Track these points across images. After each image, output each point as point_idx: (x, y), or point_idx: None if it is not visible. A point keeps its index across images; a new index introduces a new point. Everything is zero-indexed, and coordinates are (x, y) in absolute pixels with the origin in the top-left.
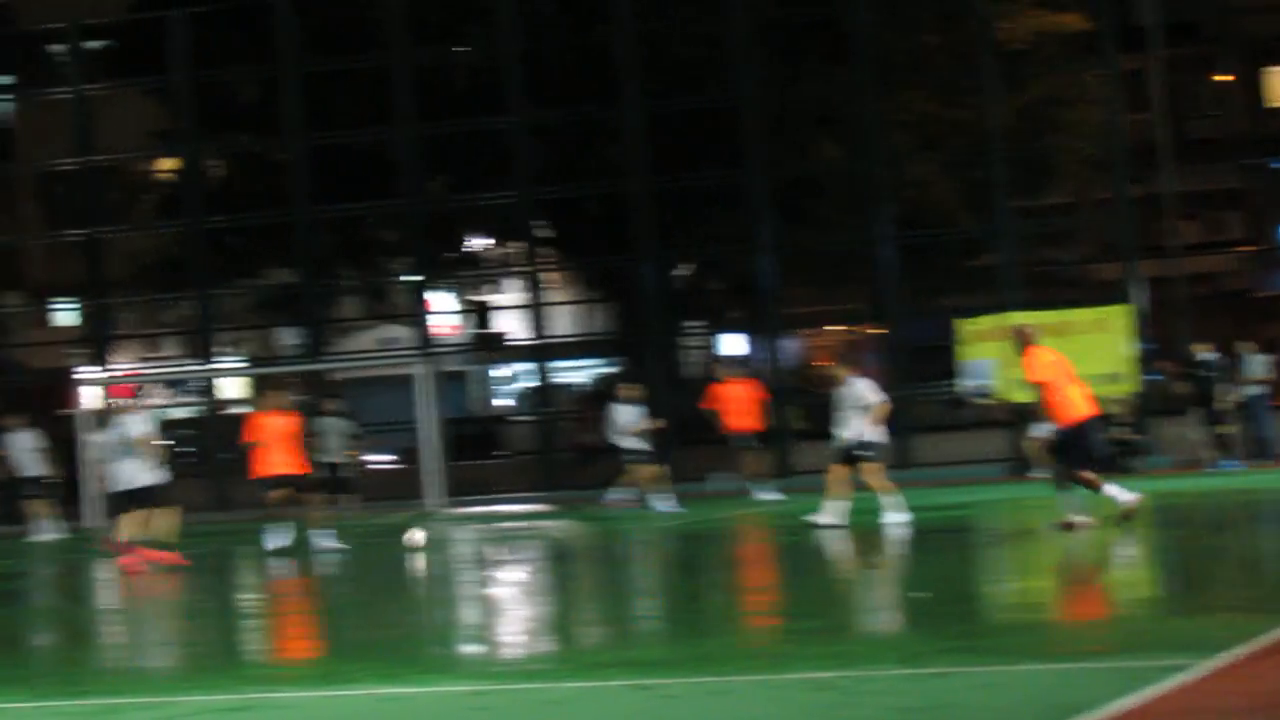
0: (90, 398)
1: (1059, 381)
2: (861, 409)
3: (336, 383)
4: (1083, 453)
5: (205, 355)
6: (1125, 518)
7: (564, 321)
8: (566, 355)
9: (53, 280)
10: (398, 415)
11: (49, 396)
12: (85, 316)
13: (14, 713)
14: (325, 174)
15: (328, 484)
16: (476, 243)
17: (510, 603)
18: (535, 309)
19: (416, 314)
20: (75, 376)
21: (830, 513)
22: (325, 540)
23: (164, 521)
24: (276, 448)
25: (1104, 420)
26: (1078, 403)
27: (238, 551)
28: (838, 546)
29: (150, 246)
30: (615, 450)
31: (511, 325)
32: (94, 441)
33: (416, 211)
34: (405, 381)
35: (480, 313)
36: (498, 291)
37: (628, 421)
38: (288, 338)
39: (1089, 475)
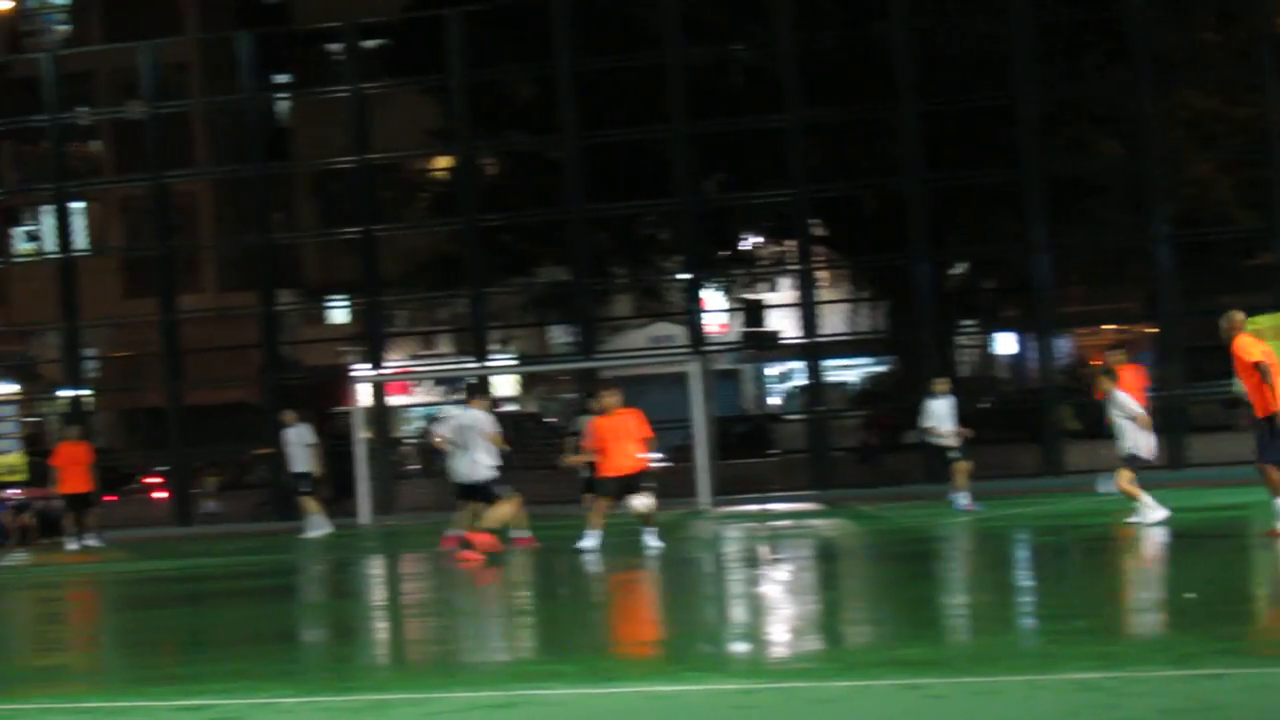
0: (364, 395)
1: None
2: (1129, 418)
3: (605, 382)
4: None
5: (478, 353)
6: None
7: (836, 320)
8: (838, 354)
9: (328, 278)
10: (669, 414)
11: (324, 393)
12: (359, 314)
13: (281, 708)
14: (599, 172)
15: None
16: (750, 241)
17: (779, 601)
18: (807, 307)
19: (689, 312)
20: (349, 373)
21: (1144, 511)
22: (590, 540)
23: (499, 512)
24: (618, 448)
25: None
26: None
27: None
28: (1116, 547)
29: (424, 244)
30: (929, 447)
31: (783, 323)
32: (440, 433)
33: (690, 210)
34: (677, 380)
35: (752, 311)
36: (770, 290)
37: (942, 415)
38: (560, 335)
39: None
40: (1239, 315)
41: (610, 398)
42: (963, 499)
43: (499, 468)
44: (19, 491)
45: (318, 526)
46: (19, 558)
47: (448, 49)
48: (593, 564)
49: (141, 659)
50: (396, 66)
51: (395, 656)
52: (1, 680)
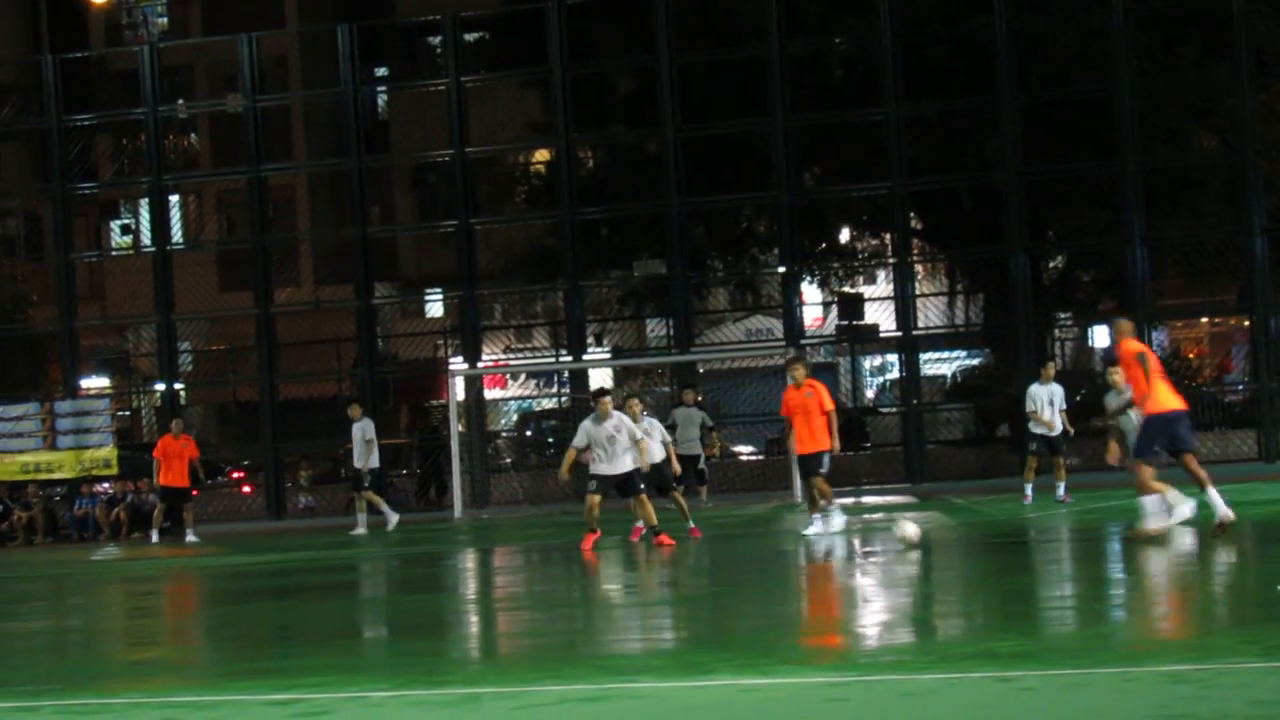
0: (459, 388)
1: None
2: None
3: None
4: None
5: (573, 347)
6: None
7: (933, 313)
8: (935, 347)
9: (424, 271)
10: (765, 407)
11: (419, 387)
12: (455, 308)
13: (371, 701)
14: (698, 165)
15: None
16: (847, 234)
17: (870, 594)
18: (904, 301)
19: (786, 305)
20: (445, 367)
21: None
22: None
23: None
24: (805, 427)
25: None
26: None
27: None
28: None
29: (522, 238)
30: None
31: (880, 317)
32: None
33: (788, 203)
34: (774, 373)
35: (849, 304)
36: (867, 283)
37: (1045, 401)
38: (657, 328)
39: None
40: (1126, 323)
41: (799, 369)
42: (1059, 490)
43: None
44: (111, 485)
45: (367, 525)
46: (111, 551)
47: (548, 41)
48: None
49: (232, 653)
50: (496, 59)
51: (486, 650)
52: (93, 674)
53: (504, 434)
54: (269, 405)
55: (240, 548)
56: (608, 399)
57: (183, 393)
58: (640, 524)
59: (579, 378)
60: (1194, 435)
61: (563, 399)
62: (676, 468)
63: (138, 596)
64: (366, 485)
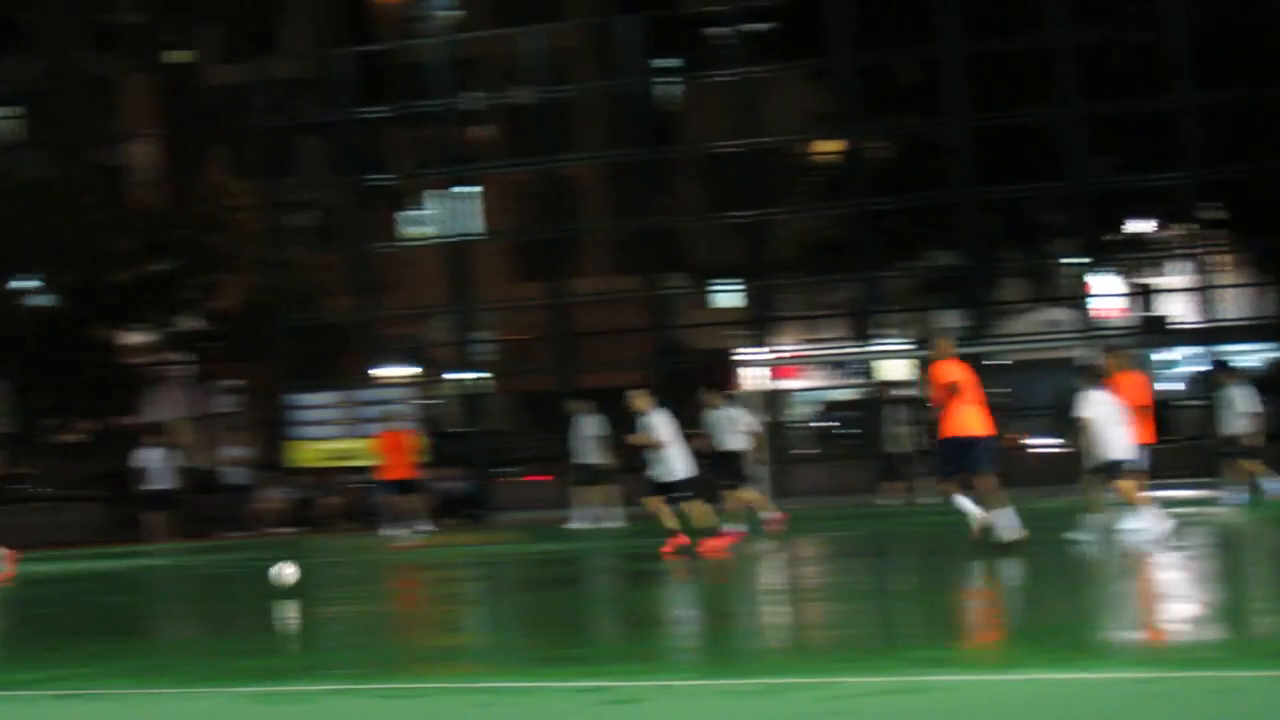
0: (751, 379)
1: None
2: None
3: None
4: None
5: (865, 337)
6: None
7: (1232, 305)
8: (1234, 339)
9: (715, 262)
10: (1059, 399)
11: (711, 377)
12: (746, 298)
13: (677, 690)
14: (988, 155)
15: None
16: (1141, 224)
17: (1176, 588)
18: (1202, 292)
19: (1079, 297)
20: (736, 358)
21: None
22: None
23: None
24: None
25: None
26: None
27: (897, 533)
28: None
29: (812, 228)
30: None
31: (1176, 308)
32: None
33: (1080, 193)
34: (1067, 365)
35: (1144, 295)
36: (1162, 274)
37: None
38: (949, 320)
39: None
40: (946, 342)
41: (1114, 360)
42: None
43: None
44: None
45: (584, 519)
46: (417, 538)
47: (835, 32)
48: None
49: (538, 640)
50: (783, 49)
51: (792, 640)
52: (405, 659)
53: (796, 424)
54: (565, 394)
55: (541, 535)
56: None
57: (480, 382)
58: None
59: (872, 369)
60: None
61: (857, 389)
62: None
63: (445, 582)
64: (585, 479)
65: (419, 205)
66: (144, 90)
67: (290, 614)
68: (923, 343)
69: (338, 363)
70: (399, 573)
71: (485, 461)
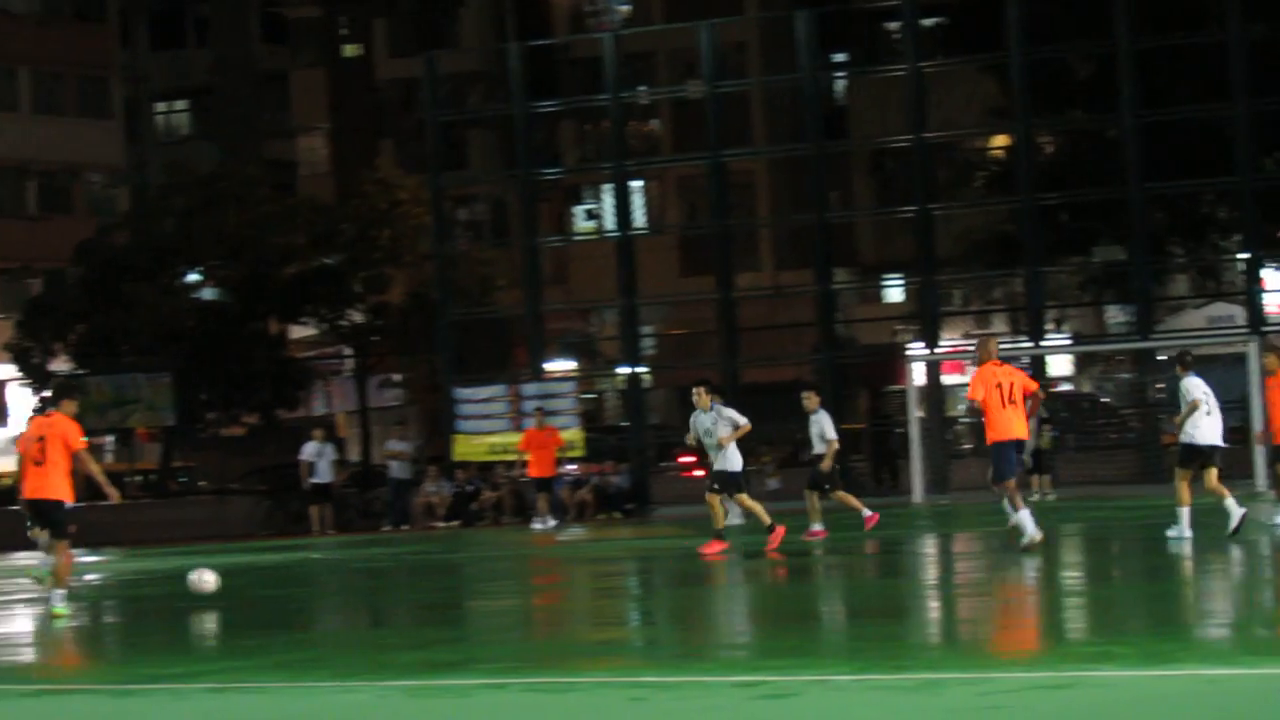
0: (919, 374)
1: None
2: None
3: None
4: None
5: (1034, 332)
6: None
7: None
8: None
9: (882, 256)
10: (1226, 395)
11: (877, 372)
12: (914, 293)
13: (835, 685)
14: (1158, 150)
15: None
16: None
17: None
18: None
19: (1248, 292)
20: (904, 352)
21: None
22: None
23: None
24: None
25: None
26: None
27: (1063, 529)
28: None
29: (980, 223)
30: None
31: None
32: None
33: (1250, 188)
34: (1237, 361)
35: None
36: None
37: None
38: (1116, 315)
39: None
40: (993, 344)
41: (1270, 358)
42: None
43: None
44: (576, 467)
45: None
46: (575, 532)
47: (1006, 26)
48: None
49: (694, 634)
50: (955, 44)
51: (948, 636)
52: (559, 653)
53: (962, 420)
54: (730, 389)
55: (700, 530)
56: (703, 390)
57: (645, 376)
58: (816, 526)
59: (1039, 364)
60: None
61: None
62: (826, 465)
63: (601, 577)
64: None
65: (589, 199)
66: (314, 84)
67: (446, 608)
68: (1087, 338)
69: (502, 356)
70: (555, 567)
71: (646, 456)
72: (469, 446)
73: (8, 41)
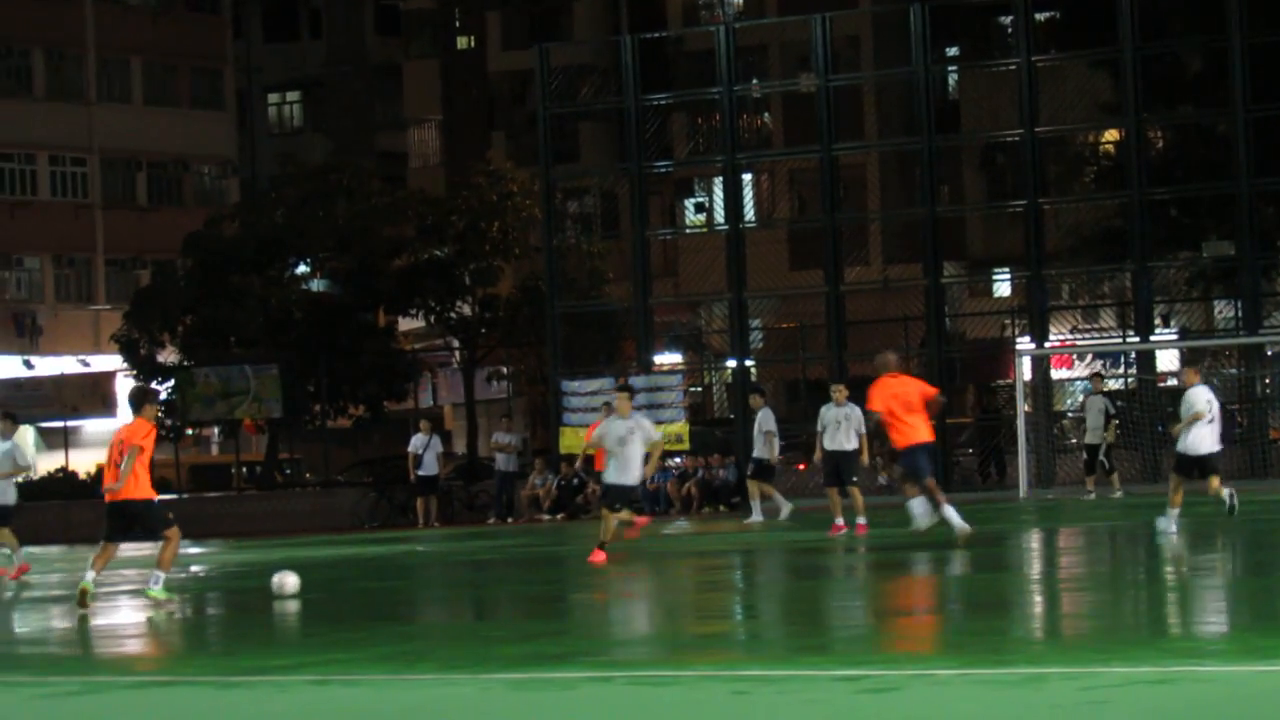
0: (1027, 368)
1: None
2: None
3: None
4: None
5: (1140, 328)
6: None
7: None
8: None
9: (992, 251)
10: None
11: (985, 367)
12: (1022, 287)
13: (937, 679)
14: (1268, 146)
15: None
16: None
17: None
18: None
19: None
20: (1012, 347)
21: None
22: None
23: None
24: None
25: None
26: None
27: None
28: None
29: (1089, 218)
30: None
31: None
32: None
33: None
34: None
35: None
36: None
37: None
38: (1224, 310)
39: None
40: (890, 356)
41: None
42: None
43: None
44: (683, 460)
45: (761, 513)
46: (682, 525)
47: (1119, 21)
48: None
49: (797, 628)
50: (1067, 38)
51: (1051, 630)
52: (664, 647)
53: (1070, 414)
54: (845, 382)
55: (803, 523)
56: (625, 396)
57: (753, 369)
58: (839, 520)
59: (1146, 359)
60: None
61: (1130, 379)
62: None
63: (703, 570)
64: (753, 474)
65: (699, 192)
66: (427, 76)
67: (551, 601)
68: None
69: (609, 349)
70: (658, 561)
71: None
72: (575, 439)
73: (121, 33)
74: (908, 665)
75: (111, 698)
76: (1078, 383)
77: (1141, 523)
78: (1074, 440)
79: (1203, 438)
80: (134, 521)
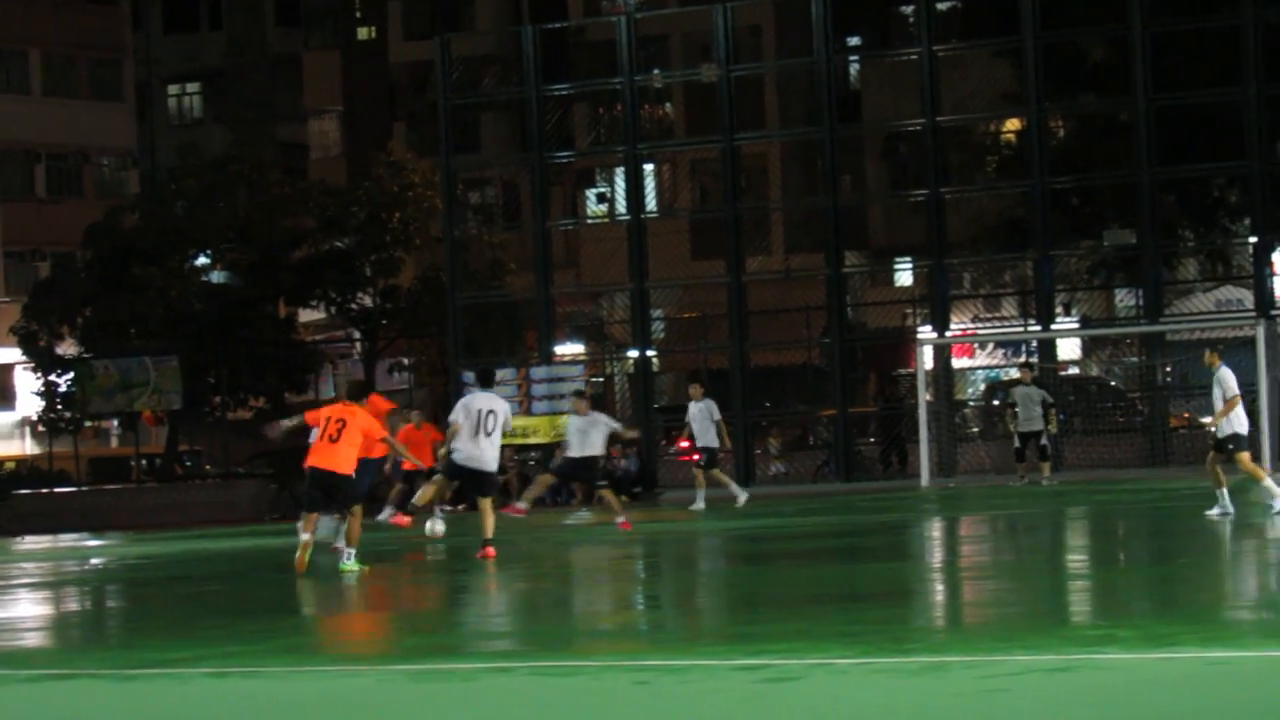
0: (928, 357)
1: None
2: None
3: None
4: None
5: (1042, 316)
6: None
7: None
8: None
9: (894, 240)
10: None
11: (886, 356)
12: (924, 276)
13: (838, 669)
14: (1169, 134)
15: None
16: None
17: None
18: None
19: (1257, 276)
20: (913, 336)
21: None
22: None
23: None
24: None
25: None
26: None
27: (1069, 512)
28: None
29: (991, 207)
30: None
31: None
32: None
33: (1260, 173)
34: (1245, 344)
35: None
36: None
37: None
38: (1125, 299)
39: None
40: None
41: None
42: None
43: None
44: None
45: (704, 501)
46: (583, 516)
47: (1020, 9)
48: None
49: (700, 618)
50: (968, 27)
51: (951, 619)
52: (564, 637)
53: (971, 403)
54: (739, 372)
55: (710, 513)
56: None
57: (654, 360)
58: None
59: (1047, 347)
60: None
61: (1032, 368)
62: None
63: (607, 561)
64: (702, 464)
65: (601, 182)
66: (327, 67)
67: (455, 592)
68: (1096, 322)
69: (511, 340)
70: (558, 551)
71: (653, 440)
72: None
73: (20, 24)
74: (808, 655)
75: (9, 692)
76: (979, 372)
77: (1045, 511)
78: (975, 429)
79: (1242, 417)
80: (334, 491)
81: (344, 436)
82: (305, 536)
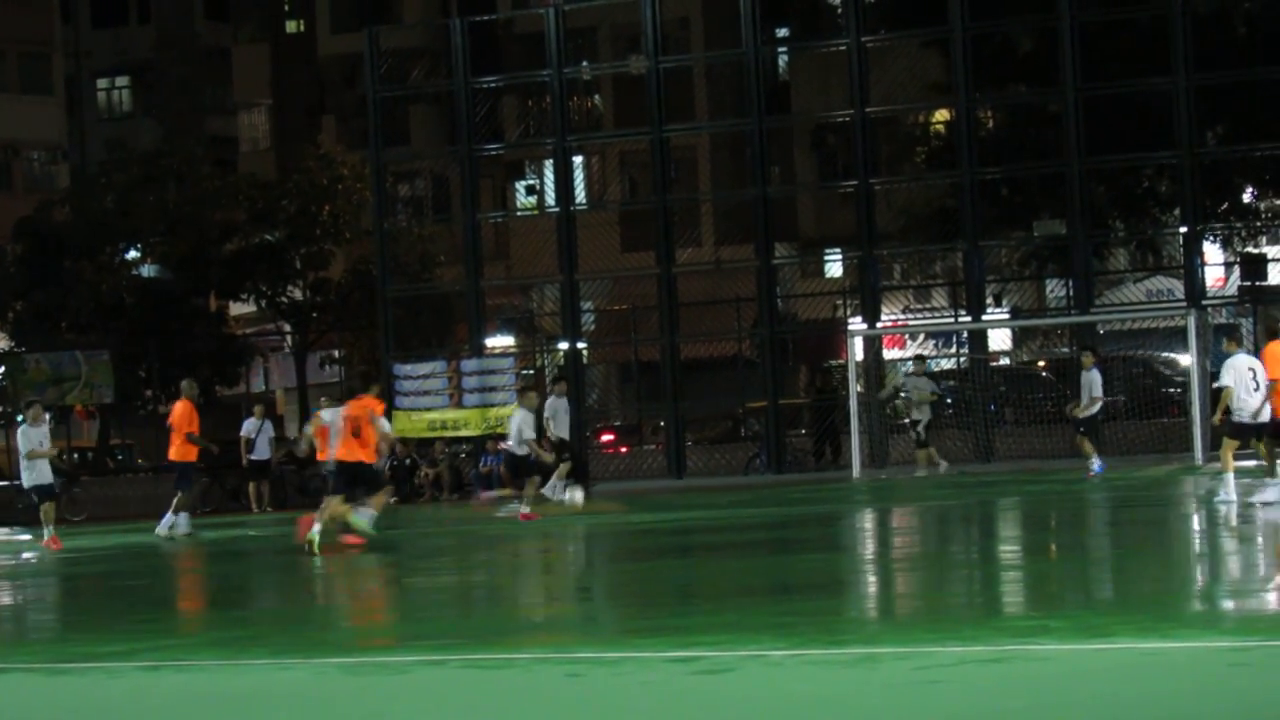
0: (859, 348)
1: None
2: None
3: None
4: None
5: (973, 307)
6: None
7: None
8: None
9: (824, 231)
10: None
11: (817, 347)
12: (854, 267)
13: (771, 660)
14: (1098, 125)
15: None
16: (1251, 194)
17: (1272, 559)
18: None
19: (1188, 266)
20: (844, 327)
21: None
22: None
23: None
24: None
25: None
26: None
27: (1000, 503)
28: None
29: (921, 198)
30: None
31: None
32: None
33: (1190, 162)
34: (1175, 334)
35: (1253, 265)
36: (1272, 243)
37: None
38: (1056, 289)
39: None
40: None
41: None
42: None
43: None
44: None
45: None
46: (514, 507)
47: (948, 1)
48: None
49: (633, 610)
50: (897, 18)
51: (884, 610)
52: (496, 630)
53: (902, 395)
54: (670, 364)
55: (641, 506)
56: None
57: (585, 351)
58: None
59: (978, 338)
60: None
61: (961, 359)
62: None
63: (540, 554)
64: (564, 457)
65: (530, 175)
66: (256, 60)
67: (383, 586)
68: (1025, 312)
69: (442, 332)
70: (491, 544)
71: (583, 432)
72: (408, 423)
73: None
74: (740, 646)
75: None
76: (910, 363)
77: (975, 501)
78: (907, 420)
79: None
80: (358, 479)
81: (364, 432)
82: (318, 527)
